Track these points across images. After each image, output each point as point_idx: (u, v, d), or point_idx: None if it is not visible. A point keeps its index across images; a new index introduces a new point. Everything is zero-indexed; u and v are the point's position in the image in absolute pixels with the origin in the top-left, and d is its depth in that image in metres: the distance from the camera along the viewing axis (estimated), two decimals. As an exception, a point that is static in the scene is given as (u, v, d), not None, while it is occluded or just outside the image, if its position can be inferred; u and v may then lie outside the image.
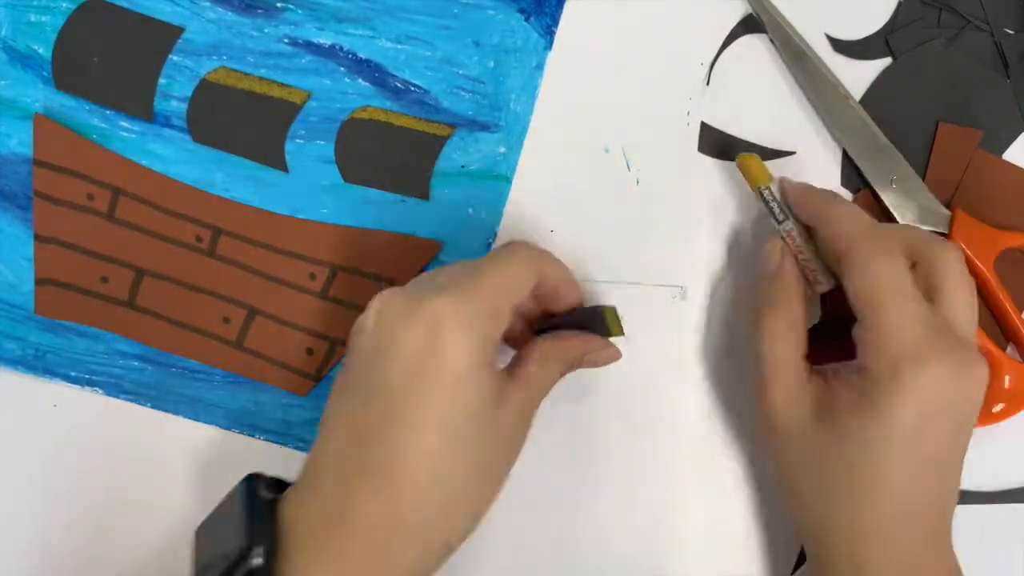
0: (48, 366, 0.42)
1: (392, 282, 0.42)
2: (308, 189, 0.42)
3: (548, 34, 0.43)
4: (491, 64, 0.43)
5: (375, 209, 0.42)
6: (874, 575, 0.34)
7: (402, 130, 0.43)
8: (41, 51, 0.42)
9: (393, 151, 0.42)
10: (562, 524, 0.43)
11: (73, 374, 0.42)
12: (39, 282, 0.42)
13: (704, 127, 0.43)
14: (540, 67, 0.43)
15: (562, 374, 0.38)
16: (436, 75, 0.43)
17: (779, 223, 0.42)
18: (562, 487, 0.43)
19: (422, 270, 0.42)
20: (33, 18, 0.42)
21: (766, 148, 0.44)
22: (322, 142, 0.42)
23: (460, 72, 0.43)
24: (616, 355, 0.39)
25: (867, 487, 0.34)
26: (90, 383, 0.42)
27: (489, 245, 0.43)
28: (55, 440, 0.42)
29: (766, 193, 0.41)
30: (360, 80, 0.43)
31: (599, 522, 0.43)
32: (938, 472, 0.35)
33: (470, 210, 0.43)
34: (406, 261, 0.42)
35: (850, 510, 0.35)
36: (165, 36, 0.42)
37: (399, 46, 0.43)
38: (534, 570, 0.43)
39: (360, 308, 0.38)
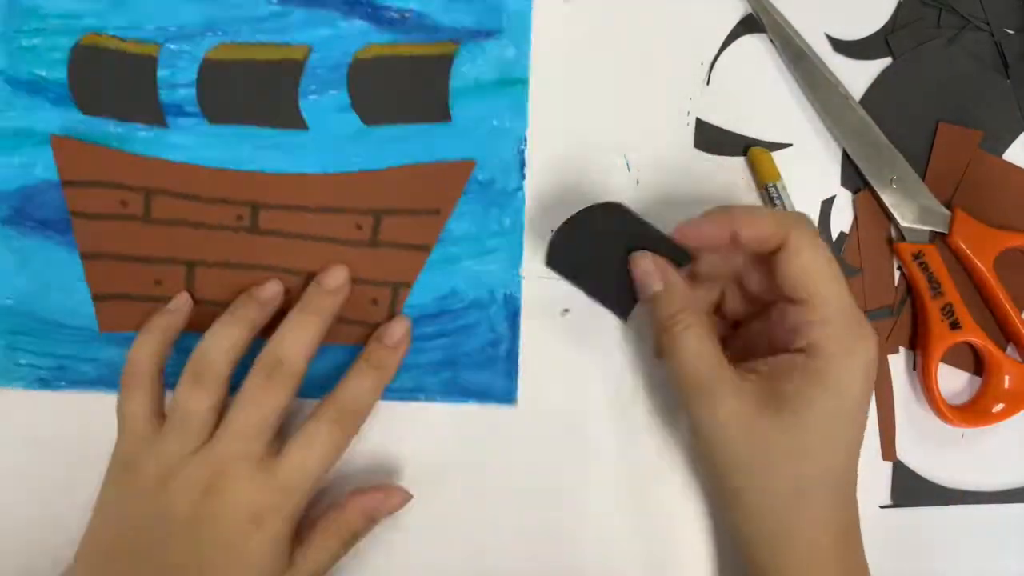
0: (124, 379, 0.41)
1: (437, 212, 0.42)
2: (332, 142, 0.42)
3: (531, -77, 0.42)
4: None
5: (402, 145, 0.42)
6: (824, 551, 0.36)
7: (408, 59, 0.42)
8: (43, 74, 0.41)
9: (405, 82, 0.42)
10: (561, 523, 0.43)
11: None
12: (96, 299, 0.42)
13: (700, 123, 0.43)
14: None
15: (347, 546, 0.39)
16: None
17: None
18: (560, 486, 0.43)
19: (462, 192, 0.42)
20: (25, 43, 0.41)
21: (764, 144, 0.44)
22: (335, 91, 0.42)
23: None
24: (407, 497, 0.40)
25: (819, 469, 0.36)
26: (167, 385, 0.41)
27: (521, 152, 0.43)
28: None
29: (772, 191, 0.42)
30: (355, 20, 0.42)
31: (597, 521, 0.43)
32: (858, 442, 0.37)
33: (495, 121, 0.43)
34: (445, 188, 0.42)
35: (804, 498, 0.36)
36: (144, 65, 0.42)
37: (384, -24, 0.42)
38: (534, 569, 0.42)
39: (412, 246, 0.42)
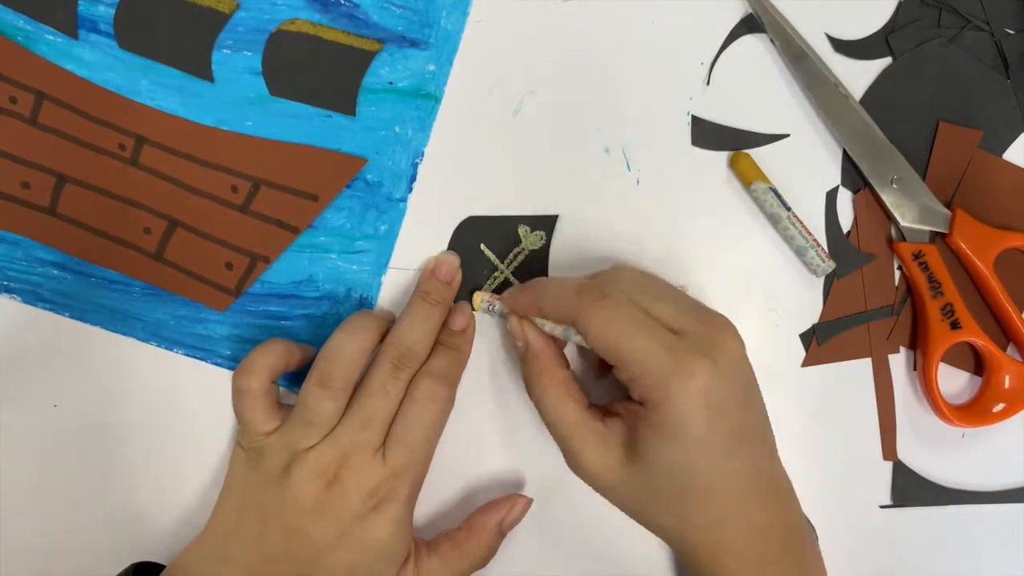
0: (-37, 271, 0.43)
1: (315, 198, 0.43)
2: (234, 101, 0.42)
3: (478, -50, 0.44)
4: None
5: (300, 123, 0.43)
6: (734, 547, 0.36)
7: (330, 44, 0.43)
8: None
9: (321, 65, 0.43)
10: (562, 522, 0.43)
11: (-10, 279, 0.43)
12: (-39, 185, 0.42)
13: (700, 123, 0.43)
14: None
15: (477, 566, 0.40)
16: None
17: (771, 219, 0.43)
18: (561, 486, 0.43)
19: (346, 187, 0.43)
20: None
21: (760, 136, 0.44)
22: (249, 53, 0.43)
23: None
24: (528, 503, 0.42)
25: (703, 492, 0.35)
26: (7, 290, 0.42)
27: (415, 165, 0.43)
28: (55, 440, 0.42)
29: (757, 191, 0.42)
30: None
31: (598, 521, 0.42)
32: (746, 437, 0.36)
33: (397, 128, 0.43)
34: (330, 177, 0.43)
35: (698, 517, 0.36)
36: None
37: (331, -43, 0.43)
38: (535, 567, 0.42)
39: (282, 224, 0.42)
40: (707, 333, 0.35)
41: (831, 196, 0.45)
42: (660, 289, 0.38)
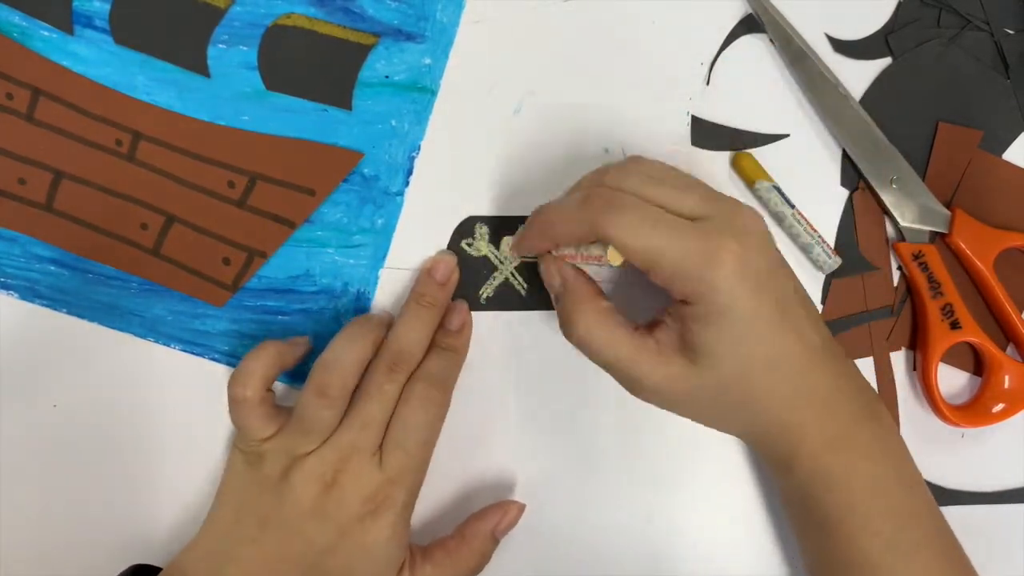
0: (-39, 268, 0.43)
1: (312, 192, 0.43)
2: (230, 96, 0.43)
3: (472, -59, 0.44)
4: None
5: (296, 118, 0.43)
6: (808, 421, 0.36)
7: (326, 38, 0.43)
8: None
9: (316, 59, 0.43)
10: (560, 521, 0.43)
11: (-13, 276, 0.43)
12: (-44, 180, 0.43)
13: (699, 123, 0.43)
14: None
15: (471, 573, 0.40)
16: None
17: (775, 218, 0.42)
18: (560, 485, 0.43)
19: (343, 181, 0.43)
20: None
21: (760, 136, 0.44)
22: (245, 48, 0.43)
23: None
24: (522, 508, 0.42)
25: (764, 371, 0.36)
26: (5, 287, 0.42)
27: (412, 158, 0.43)
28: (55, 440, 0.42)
29: (760, 190, 0.42)
30: None
31: (597, 520, 0.42)
32: (790, 304, 0.36)
33: (393, 122, 0.43)
34: (326, 171, 0.43)
35: (768, 400, 0.36)
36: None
37: (326, -49, 0.44)
38: (532, 568, 0.42)
39: (279, 219, 0.42)
40: (727, 214, 0.35)
41: (831, 196, 0.45)
42: (665, 176, 0.37)
